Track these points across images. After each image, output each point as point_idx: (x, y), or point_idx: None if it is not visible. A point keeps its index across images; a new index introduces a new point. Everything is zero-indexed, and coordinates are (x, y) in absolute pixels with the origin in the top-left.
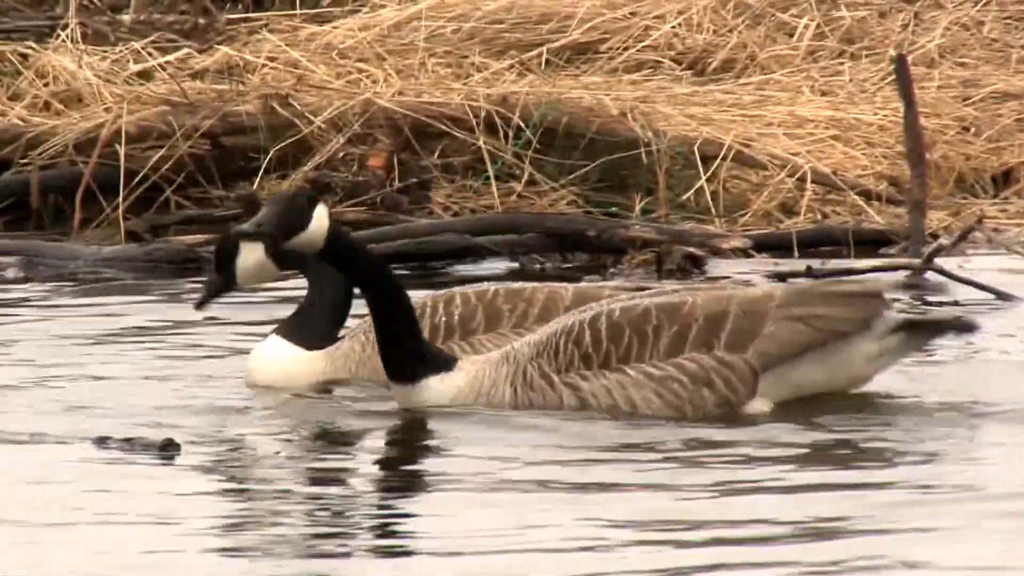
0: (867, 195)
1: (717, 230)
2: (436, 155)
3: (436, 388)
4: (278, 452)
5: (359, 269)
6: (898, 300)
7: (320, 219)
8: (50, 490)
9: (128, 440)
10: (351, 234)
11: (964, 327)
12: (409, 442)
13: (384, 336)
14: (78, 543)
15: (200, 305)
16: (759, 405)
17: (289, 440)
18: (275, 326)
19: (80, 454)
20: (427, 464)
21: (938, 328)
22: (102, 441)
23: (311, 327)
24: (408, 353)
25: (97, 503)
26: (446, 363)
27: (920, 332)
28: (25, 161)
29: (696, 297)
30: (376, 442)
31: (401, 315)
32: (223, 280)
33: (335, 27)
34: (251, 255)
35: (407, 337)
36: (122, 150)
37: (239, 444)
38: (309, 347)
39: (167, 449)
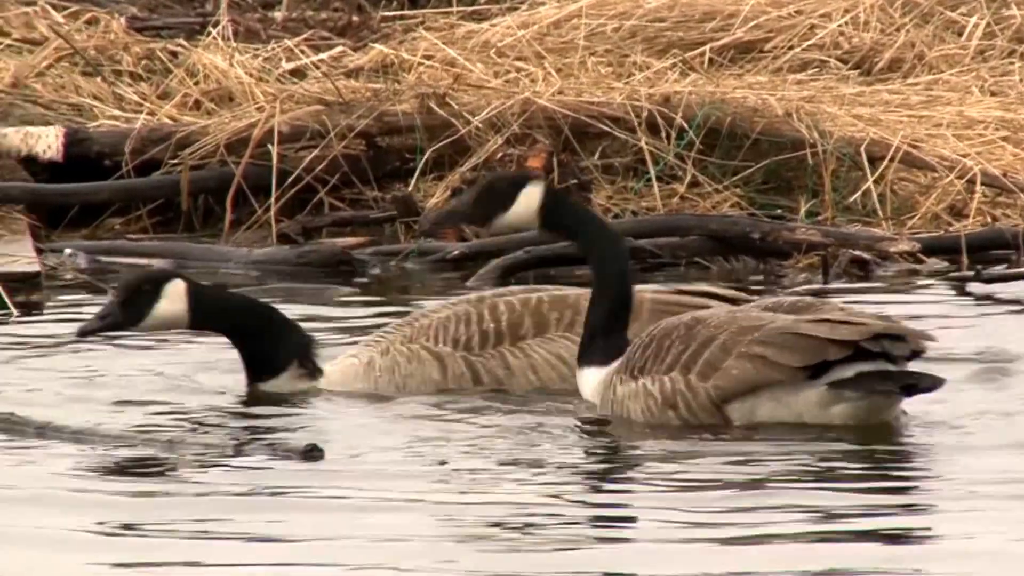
0: None
1: (884, 233)
2: (596, 156)
3: (588, 379)
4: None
5: (585, 242)
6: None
7: (529, 198)
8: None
9: (270, 446)
10: (579, 206)
11: (928, 386)
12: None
13: (591, 313)
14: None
15: (86, 333)
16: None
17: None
18: None
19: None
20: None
21: (900, 382)
22: (242, 448)
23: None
24: (595, 336)
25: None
26: (609, 357)
27: (878, 382)
28: (175, 161)
29: (722, 316)
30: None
31: (615, 298)
32: (126, 318)
33: (493, 25)
34: (172, 306)
35: (608, 320)
36: (274, 150)
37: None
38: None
39: (310, 454)
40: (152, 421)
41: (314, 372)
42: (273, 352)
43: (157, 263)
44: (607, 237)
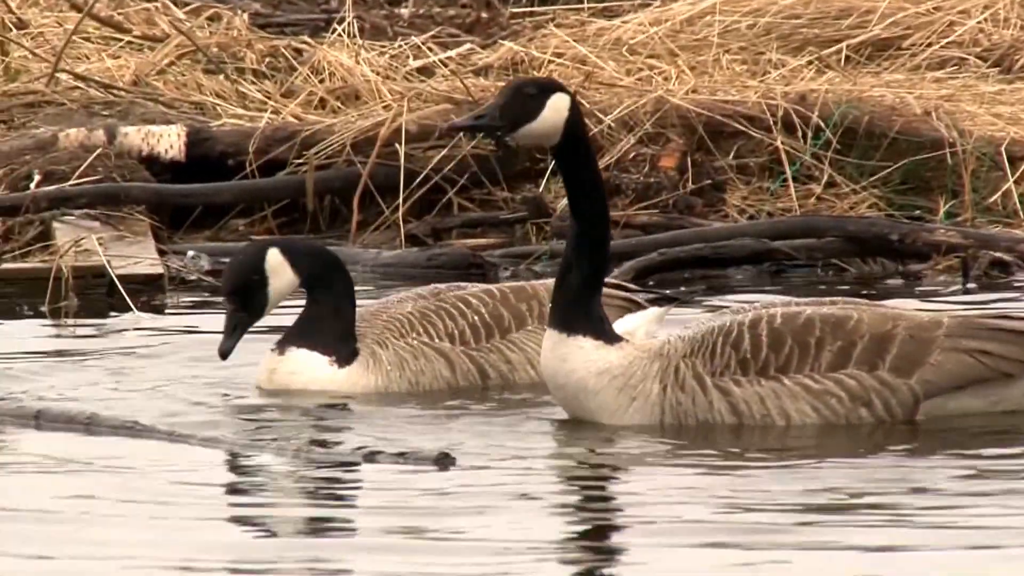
0: None
1: None
2: (731, 155)
3: (587, 351)
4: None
5: (579, 189)
6: None
7: (555, 110)
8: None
9: (401, 454)
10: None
11: None
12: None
13: (565, 276)
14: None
15: (228, 352)
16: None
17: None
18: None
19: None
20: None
21: None
22: (373, 456)
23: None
24: (579, 302)
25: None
26: (610, 335)
27: None
28: (300, 161)
29: (862, 314)
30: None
31: (593, 262)
32: (252, 313)
33: (624, 22)
34: (280, 279)
35: (588, 287)
36: (402, 150)
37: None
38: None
39: (442, 462)
40: (268, 428)
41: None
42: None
43: None
44: (601, 196)
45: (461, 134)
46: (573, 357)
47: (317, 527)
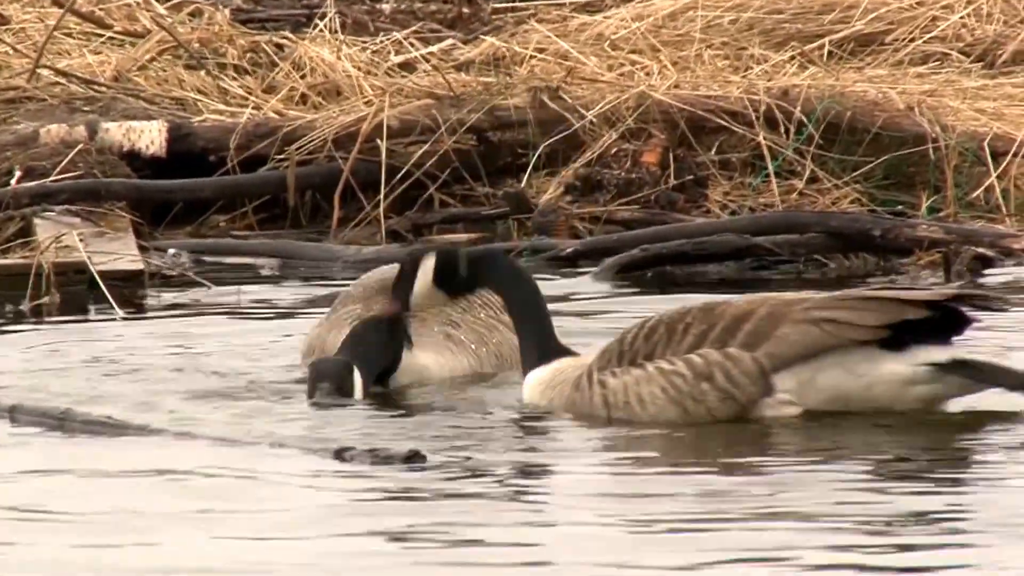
0: None
1: (1008, 230)
2: (713, 151)
3: (528, 382)
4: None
5: (493, 284)
6: (973, 314)
7: (424, 271)
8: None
9: (371, 451)
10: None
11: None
12: None
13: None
14: None
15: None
16: (781, 407)
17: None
18: None
19: (319, 465)
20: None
21: (992, 379)
22: (342, 452)
23: None
24: (529, 349)
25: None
26: (548, 358)
27: (971, 374)
28: (281, 157)
29: (739, 299)
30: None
31: (532, 309)
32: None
33: (606, 17)
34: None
35: (529, 332)
36: (383, 145)
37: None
38: None
39: (412, 460)
40: (248, 422)
41: None
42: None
43: (262, 261)
44: (509, 269)
45: (443, 131)
46: (524, 393)
47: (267, 523)
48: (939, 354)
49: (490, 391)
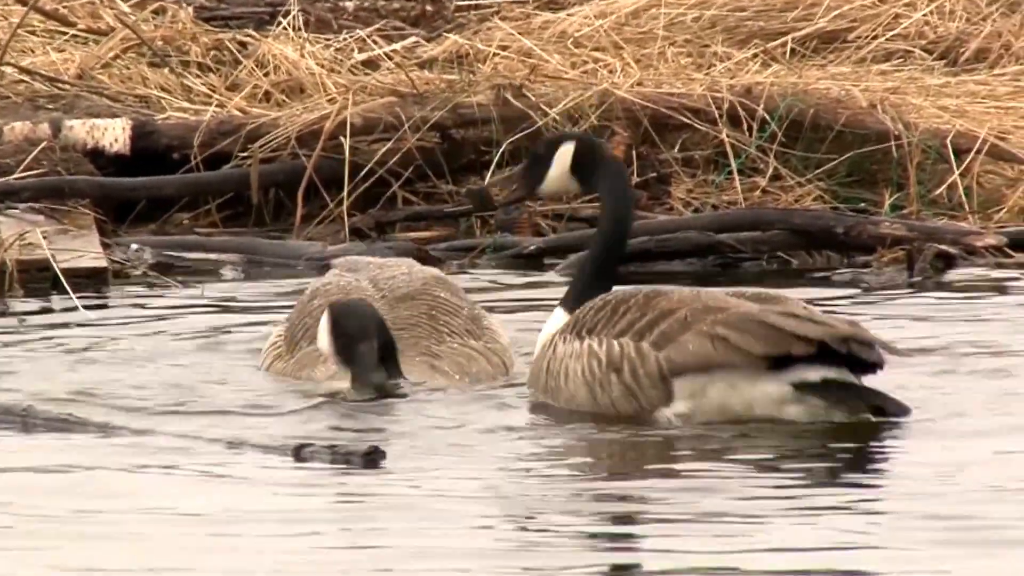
0: None
1: (971, 227)
2: (676, 148)
3: (545, 329)
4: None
5: (603, 192)
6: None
7: (562, 157)
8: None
9: (330, 447)
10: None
11: (894, 412)
12: None
13: (580, 270)
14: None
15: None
16: (676, 411)
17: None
18: None
19: (280, 462)
20: None
21: (868, 401)
22: (301, 449)
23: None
24: (575, 287)
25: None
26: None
27: (842, 396)
28: (245, 154)
29: (686, 293)
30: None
31: (603, 251)
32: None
33: (569, 15)
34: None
35: (588, 270)
36: (347, 143)
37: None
38: None
39: (371, 456)
40: (210, 419)
41: None
42: None
43: (227, 258)
44: (624, 197)
45: (407, 129)
46: (547, 324)
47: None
48: (812, 374)
49: (467, 398)
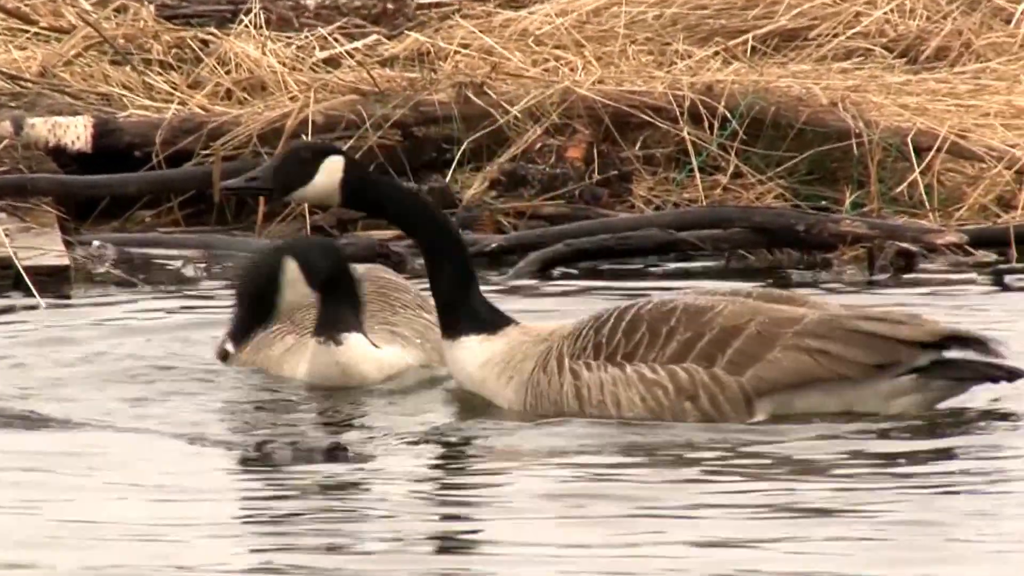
0: None
1: (931, 225)
2: (638, 146)
3: (472, 349)
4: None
5: (398, 214)
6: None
7: (330, 172)
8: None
9: (292, 444)
10: (383, 179)
11: (1011, 375)
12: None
13: (435, 286)
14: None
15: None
16: (752, 423)
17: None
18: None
19: (242, 457)
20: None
21: (976, 375)
22: (263, 446)
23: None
24: (454, 305)
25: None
26: (495, 325)
27: (955, 376)
28: (207, 152)
29: (728, 306)
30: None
31: (454, 261)
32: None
33: (531, 12)
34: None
35: (459, 287)
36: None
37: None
38: None
39: (333, 453)
40: (170, 417)
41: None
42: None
43: (190, 255)
44: (421, 206)
45: (368, 127)
46: (462, 358)
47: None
48: (920, 358)
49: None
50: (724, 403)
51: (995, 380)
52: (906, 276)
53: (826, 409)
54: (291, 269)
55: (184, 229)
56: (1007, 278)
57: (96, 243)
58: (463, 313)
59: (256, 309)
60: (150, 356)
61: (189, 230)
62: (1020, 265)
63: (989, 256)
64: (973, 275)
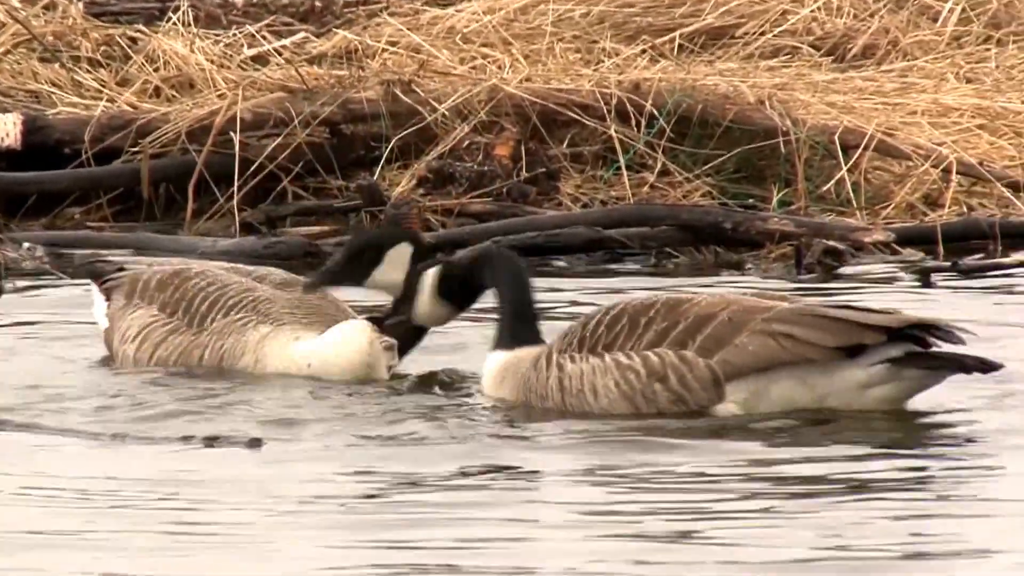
0: (1015, 187)
1: (858, 223)
2: (565, 144)
3: (487, 366)
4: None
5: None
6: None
7: (398, 257)
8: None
9: (213, 438)
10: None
11: (984, 367)
12: None
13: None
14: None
15: (312, 287)
16: (729, 409)
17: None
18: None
19: (164, 452)
20: None
21: (950, 365)
22: (186, 440)
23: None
24: (502, 324)
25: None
26: (521, 342)
27: (929, 366)
28: (136, 149)
29: (705, 297)
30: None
31: (510, 299)
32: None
33: (458, 10)
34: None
35: (508, 314)
36: (237, 138)
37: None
38: None
39: (253, 446)
40: (97, 413)
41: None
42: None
43: (119, 253)
44: (503, 262)
45: (296, 124)
46: (485, 372)
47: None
48: (894, 349)
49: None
50: (693, 382)
51: (968, 370)
52: (834, 274)
53: (800, 399)
54: (402, 250)
55: (113, 225)
56: (934, 276)
57: (26, 245)
58: (502, 334)
59: (352, 265)
60: (74, 352)
61: (118, 226)
62: (947, 263)
63: (916, 254)
64: (900, 272)
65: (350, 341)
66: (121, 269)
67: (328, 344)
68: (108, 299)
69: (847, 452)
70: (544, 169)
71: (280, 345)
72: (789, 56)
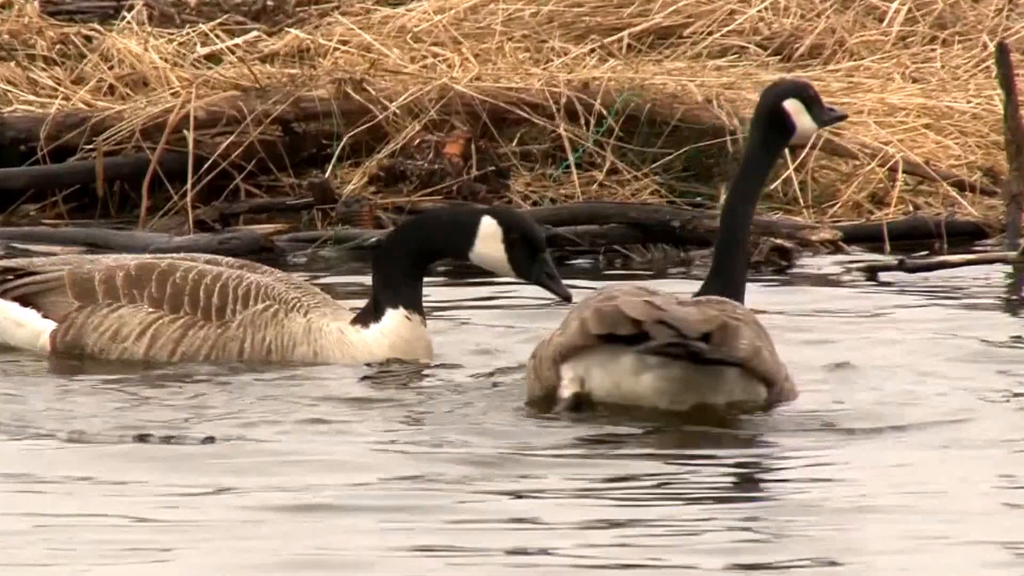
0: (960, 186)
1: (806, 221)
2: (515, 142)
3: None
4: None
5: None
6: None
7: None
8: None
9: (168, 437)
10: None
11: (728, 360)
12: None
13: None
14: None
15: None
16: (567, 389)
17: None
18: None
19: (121, 451)
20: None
21: (703, 353)
22: (143, 439)
23: None
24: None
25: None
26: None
27: (698, 351)
28: (90, 147)
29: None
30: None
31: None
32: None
33: (409, 10)
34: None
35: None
36: (190, 136)
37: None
38: None
39: (207, 445)
40: (58, 410)
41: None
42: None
43: (74, 250)
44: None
45: (249, 122)
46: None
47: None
48: (653, 342)
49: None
50: (544, 360)
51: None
52: (780, 272)
53: (604, 387)
54: (488, 224)
55: (68, 222)
56: (881, 274)
57: None
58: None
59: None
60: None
61: (73, 223)
62: (893, 261)
63: (863, 252)
64: (847, 270)
65: (405, 327)
66: (30, 274)
67: (388, 332)
68: (28, 305)
69: (846, 472)
70: (494, 167)
71: (333, 334)
72: (736, 56)
